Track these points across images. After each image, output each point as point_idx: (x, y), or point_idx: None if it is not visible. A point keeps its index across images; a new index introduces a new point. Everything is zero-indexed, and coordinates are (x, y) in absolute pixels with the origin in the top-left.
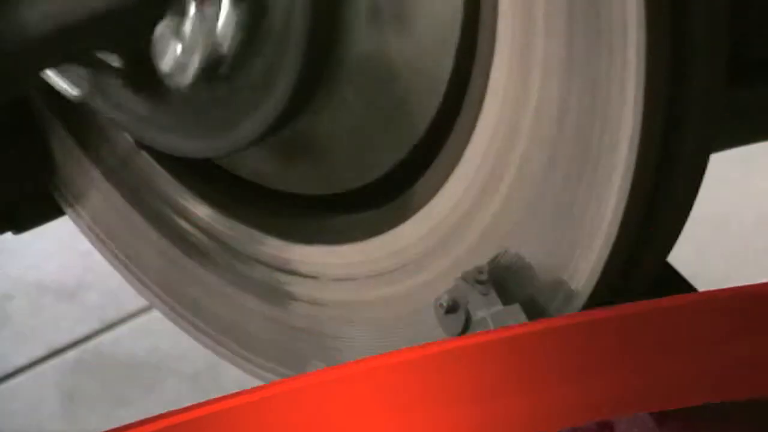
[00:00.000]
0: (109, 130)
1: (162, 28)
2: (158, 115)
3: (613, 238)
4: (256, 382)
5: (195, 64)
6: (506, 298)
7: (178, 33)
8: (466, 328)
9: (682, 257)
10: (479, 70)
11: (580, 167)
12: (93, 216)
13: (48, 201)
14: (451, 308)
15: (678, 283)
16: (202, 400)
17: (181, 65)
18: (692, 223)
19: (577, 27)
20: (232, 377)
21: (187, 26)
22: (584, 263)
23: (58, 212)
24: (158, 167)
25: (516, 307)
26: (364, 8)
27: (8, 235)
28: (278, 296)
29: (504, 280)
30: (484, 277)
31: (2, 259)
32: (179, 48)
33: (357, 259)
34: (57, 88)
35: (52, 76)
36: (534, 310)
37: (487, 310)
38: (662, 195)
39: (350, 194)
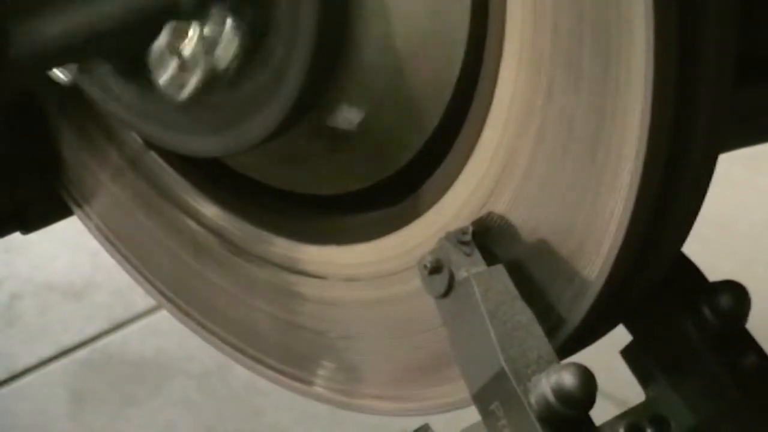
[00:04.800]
0: (118, 130)
1: (160, 43)
2: (167, 114)
3: (622, 235)
4: (265, 383)
5: (192, 83)
6: (491, 259)
7: (176, 51)
8: (450, 288)
9: (690, 256)
10: (488, 69)
11: (589, 167)
12: (101, 216)
13: (56, 201)
14: (435, 269)
15: (693, 276)
16: (210, 400)
17: (177, 82)
18: (699, 223)
19: (585, 26)
20: (240, 377)
21: (187, 46)
22: (595, 258)
23: (66, 212)
24: (167, 167)
25: (500, 268)
26: (374, 14)
27: (17, 235)
28: (287, 296)
29: (488, 241)
30: (467, 237)
31: (11, 259)
32: (176, 66)
33: (366, 259)
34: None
35: None
36: (520, 272)
37: (470, 270)
38: (672, 191)
39: (359, 194)
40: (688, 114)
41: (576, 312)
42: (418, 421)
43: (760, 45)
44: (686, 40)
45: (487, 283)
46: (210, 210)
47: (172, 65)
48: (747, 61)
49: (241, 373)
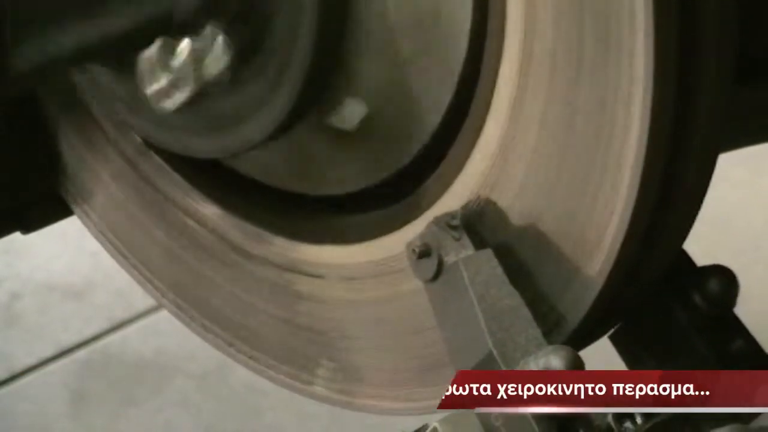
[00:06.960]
0: (117, 130)
1: (150, 56)
2: (166, 115)
3: (623, 234)
4: (265, 383)
5: (181, 98)
6: (480, 244)
7: (167, 66)
8: (438, 272)
9: (690, 257)
10: (489, 66)
11: (590, 165)
12: (101, 216)
13: (56, 201)
14: (424, 253)
15: (682, 261)
16: (209, 400)
17: (166, 95)
18: (699, 223)
19: (586, 24)
20: (240, 377)
21: (176, 60)
22: (596, 257)
23: (66, 212)
24: (166, 167)
25: (488, 252)
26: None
27: (17, 235)
28: (286, 296)
29: (479, 226)
30: (456, 222)
31: (10, 259)
32: (166, 80)
33: (365, 258)
34: None
35: None
36: (509, 257)
37: (459, 254)
38: (672, 191)
39: (358, 194)
40: (688, 114)
41: (577, 311)
42: (418, 421)
43: (760, 45)
44: (686, 39)
45: (476, 268)
46: (210, 210)
47: (162, 80)
48: (747, 61)
49: (241, 373)
